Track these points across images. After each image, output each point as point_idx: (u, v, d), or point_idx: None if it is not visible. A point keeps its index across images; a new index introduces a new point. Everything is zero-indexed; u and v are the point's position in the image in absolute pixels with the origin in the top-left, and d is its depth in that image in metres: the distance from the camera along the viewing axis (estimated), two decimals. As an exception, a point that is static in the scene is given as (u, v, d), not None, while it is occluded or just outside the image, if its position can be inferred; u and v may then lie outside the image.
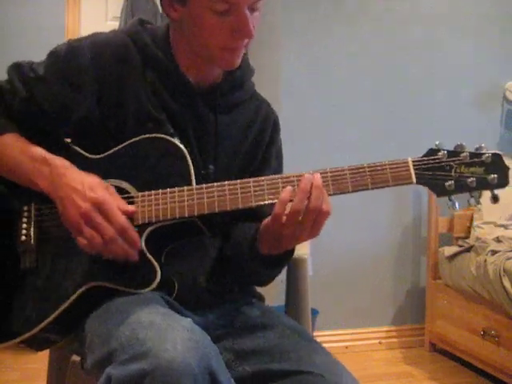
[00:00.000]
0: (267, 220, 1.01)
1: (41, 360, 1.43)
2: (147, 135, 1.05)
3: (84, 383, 1.07)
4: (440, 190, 0.99)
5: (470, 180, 0.98)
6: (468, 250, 2.61)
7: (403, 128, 2.94)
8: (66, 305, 1.01)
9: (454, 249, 2.71)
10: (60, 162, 1.02)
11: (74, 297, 1.01)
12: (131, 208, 1.00)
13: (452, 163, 0.99)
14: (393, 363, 2.76)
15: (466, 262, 2.56)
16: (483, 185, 0.98)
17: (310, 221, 0.96)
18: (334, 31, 2.86)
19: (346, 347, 2.85)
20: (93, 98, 1.07)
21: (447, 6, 3.00)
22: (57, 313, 1.02)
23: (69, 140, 1.08)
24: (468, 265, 2.54)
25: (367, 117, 2.89)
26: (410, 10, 2.96)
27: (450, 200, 1.00)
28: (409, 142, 2.95)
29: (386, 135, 2.91)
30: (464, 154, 0.99)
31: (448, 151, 0.99)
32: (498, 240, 2.55)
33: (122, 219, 0.97)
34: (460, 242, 2.73)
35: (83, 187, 0.97)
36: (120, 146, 1.06)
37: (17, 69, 1.10)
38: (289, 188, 0.97)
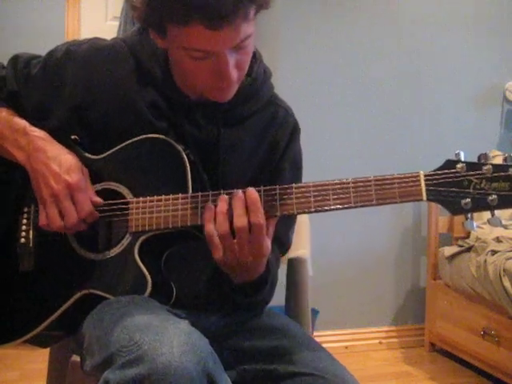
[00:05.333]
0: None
1: (41, 360, 1.43)
2: (150, 135, 1.03)
3: (84, 383, 1.07)
4: (455, 209, 0.88)
5: (491, 198, 0.86)
6: (468, 250, 2.61)
7: (403, 128, 2.94)
8: (62, 309, 1.01)
9: (454, 249, 2.71)
10: (39, 133, 1.02)
11: (69, 302, 1.01)
12: (99, 200, 1.01)
13: (471, 178, 0.87)
14: (393, 363, 2.76)
15: (466, 262, 2.56)
16: (506, 203, 0.85)
17: (244, 239, 0.90)
18: (333, 33, 2.86)
19: (346, 347, 2.85)
20: (68, 107, 1.05)
21: (447, 6, 3.00)
22: (53, 317, 1.02)
23: (73, 137, 1.06)
24: (468, 265, 2.54)
25: (366, 117, 2.89)
26: (410, 11, 2.96)
27: (467, 219, 0.89)
28: (408, 142, 2.95)
29: (385, 136, 2.91)
30: (487, 167, 0.87)
31: (467, 163, 0.88)
32: (497, 240, 2.55)
33: (90, 208, 0.98)
34: (460, 242, 2.73)
35: (60, 169, 0.98)
36: (119, 147, 1.04)
37: (15, 61, 1.11)
38: (208, 205, 0.92)
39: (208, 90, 1.00)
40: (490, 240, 2.55)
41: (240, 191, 0.92)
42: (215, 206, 0.92)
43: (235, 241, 0.91)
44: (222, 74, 0.95)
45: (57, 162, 0.99)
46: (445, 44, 2.99)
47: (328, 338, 2.77)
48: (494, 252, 2.44)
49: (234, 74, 0.95)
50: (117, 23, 3.26)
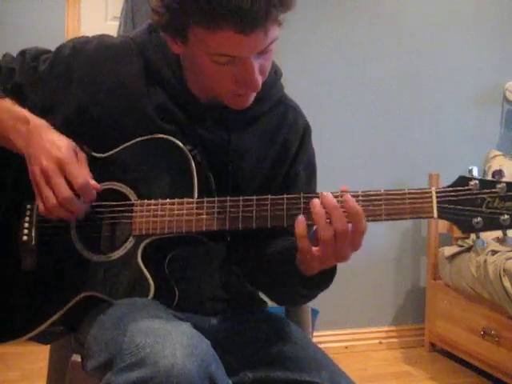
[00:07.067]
0: (299, 255, 0.93)
1: (41, 360, 1.44)
2: (155, 135, 1.01)
3: (84, 383, 1.07)
4: (466, 227, 0.86)
5: (503, 218, 0.84)
6: (468, 250, 2.61)
7: (403, 128, 2.94)
8: (64, 309, 1.01)
9: (454, 249, 2.71)
10: (39, 121, 1.01)
11: (70, 304, 1.00)
12: (96, 184, 0.97)
13: (484, 196, 0.84)
14: (393, 363, 2.76)
15: (466, 262, 2.56)
16: None
17: (346, 242, 0.87)
18: (333, 33, 2.86)
19: (346, 347, 2.85)
20: (73, 105, 1.05)
21: (447, 6, 3.00)
22: (55, 317, 1.01)
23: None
24: (468, 265, 2.54)
25: (366, 117, 2.89)
26: (410, 11, 2.96)
27: (478, 237, 0.87)
28: (408, 142, 2.95)
29: (385, 136, 2.91)
30: (501, 185, 0.83)
31: (481, 181, 0.84)
32: (498, 240, 2.55)
33: (84, 180, 0.95)
34: (460, 242, 2.73)
35: (51, 146, 0.96)
36: (124, 146, 1.03)
37: (23, 55, 1.11)
38: (301, 218, 0.87)
39: (227, 96, 0.98)
40: (490, 240, 2.55)
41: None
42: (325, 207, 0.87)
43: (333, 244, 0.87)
44: (247, 80, 0.93)
45: (50, 143, 0.96)
46: (445, 44, 2.99)
47: (328, 338, 2.77)
48: (494, 252, 2.44)
49: (259, 79, 0.94)
50: (117, 23, 3.26)
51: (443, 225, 2.84)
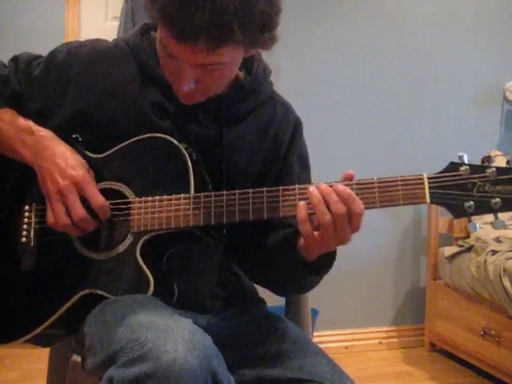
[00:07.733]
0: (301, 241, 0.96)
1: (41, 360, 1.44)
2: (151, 134, 1.03)
3: (84, 383, 1.07)
4: (458, 211, 0.88)
5: (494, 201, 0.85)
6: (468, 250, 2.61)
7: (403, 128, 2.94)
8: (63, 309, 1.01)
9: (454, 249, 2.71)
10: (45, 133, 1.03)
11: (70, 302, 1.01)
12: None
13: (475, 180, 0.87)
14: (393, 363, 2.76)
15: (466, 262, 2.56)
16: (510, 206, 0.85)
17: (345, 225, 0.89)
18: (333, 33, 2.86)
19: (346, 347, 2.85)
20: (71, 109, 1.06)
21: (447, 6, 3.00)
22: (55, 317, 1.02)
23: (74, 136, 1.06)
24: (468, 265, 2.54)
25: (366, 117, 2.89)
26: (410, 11, 2.96)
27: (470, 221, 0.91)
28: (408, 142, 2.95)
29: (385, 136, 2.91)
30: (490, 170, 0.86)
31: (471, 166, 0.87)
32: (498, 240, 2.55)
33: (101, 201, 0.98)
34: (460, 242, 2.73)
35: (66, 164, 0.99)
36: (121, 146, 1.04)
37: (16, 62, 1.12)
38: (302, 204, 0.90)
39: (173, 87, 1.01)
40: (490, 240, 2.55)
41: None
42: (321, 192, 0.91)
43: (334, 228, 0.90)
44: (175, 79, 0.97)
45: (63, 159, 0.99)
46: (445, 44, 2.99)
47: (328, 338, 2.77)
48: (494, 252, 2.44)
49: (189, 84, 0.96)
50: (117, 23, 3.26)
51: (443, 225, 2.84)
